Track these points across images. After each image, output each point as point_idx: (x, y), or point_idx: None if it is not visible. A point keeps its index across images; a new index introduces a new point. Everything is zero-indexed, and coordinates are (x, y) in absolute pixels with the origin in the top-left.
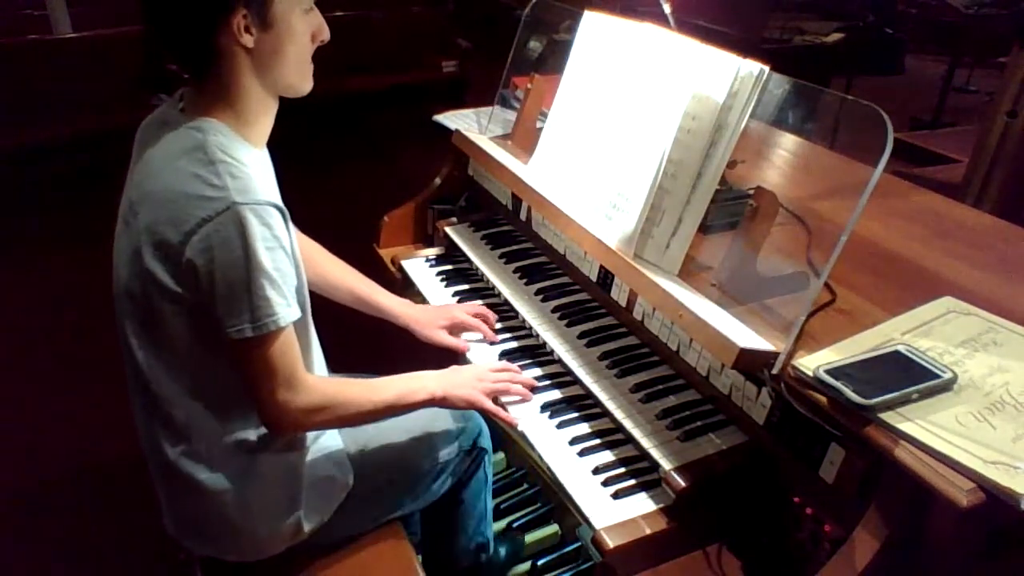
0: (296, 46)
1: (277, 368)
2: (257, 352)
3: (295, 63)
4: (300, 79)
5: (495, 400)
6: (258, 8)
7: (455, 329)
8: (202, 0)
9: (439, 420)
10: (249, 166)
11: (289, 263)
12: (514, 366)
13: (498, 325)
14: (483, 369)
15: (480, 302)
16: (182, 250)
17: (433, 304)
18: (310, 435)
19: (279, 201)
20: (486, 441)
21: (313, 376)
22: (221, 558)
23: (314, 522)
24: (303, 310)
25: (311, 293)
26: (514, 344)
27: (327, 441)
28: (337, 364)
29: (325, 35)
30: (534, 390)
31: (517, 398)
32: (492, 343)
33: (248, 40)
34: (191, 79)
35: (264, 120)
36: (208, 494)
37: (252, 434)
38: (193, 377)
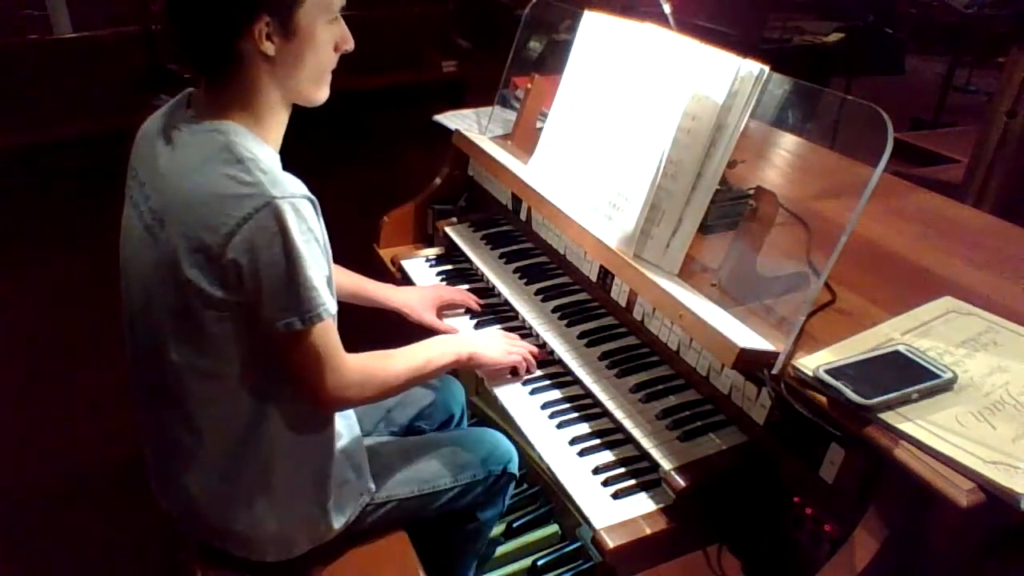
0: (317, 56)
1: (323, 354)
2: (307, 342)
3: (315, 73)
4: (317, 89)
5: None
6: (281, 16)
7: (443, 307)
8: (225, 5)
9: (465, 443)
10: (273, 163)
11: (322, 254)
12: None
13: (497, 325)
14: (500, 335)
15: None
16: (223, 252)
17: (420, 285)
18: (335, 435)
19: (310, 193)
20: (514, 467)
21: (351, 356)
22: (251, 559)
23: (340, 522)
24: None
25: None
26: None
27: (348, 444)
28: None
29: (349, 45)
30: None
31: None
32: (476, 314)
33: (269, 48)
34: (206, 82)
35: (278, 126)
36: (237, 496)
37: (282, 437)
38: (230, 380)
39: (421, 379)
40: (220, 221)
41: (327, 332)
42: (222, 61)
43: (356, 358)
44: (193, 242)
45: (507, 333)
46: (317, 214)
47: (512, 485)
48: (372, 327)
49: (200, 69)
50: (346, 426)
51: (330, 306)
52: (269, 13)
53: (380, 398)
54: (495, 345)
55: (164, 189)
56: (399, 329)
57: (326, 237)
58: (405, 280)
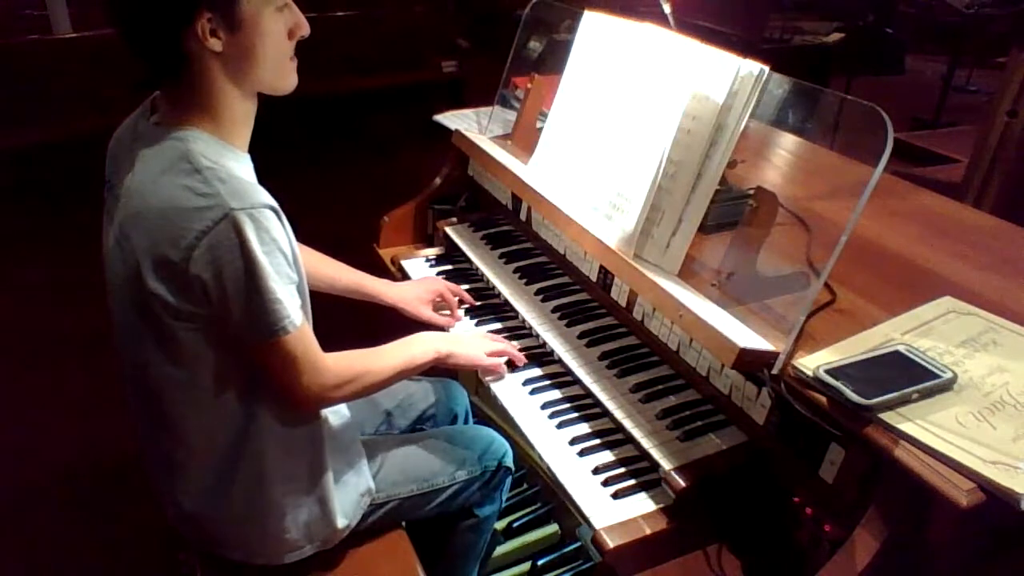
0: (269, 47)
1: (300, 359)
2: (278, 351)
3: (270, 64)
4: (279, 79)
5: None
6: (223, 10)
7: (437, 303)
8: (163, 5)
9: (461, 439)
10: (235, 170)
11: (287, 264)
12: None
13: (497, 325)
14: (480, 334)
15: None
16: (186, 267)
17: (415, 279)
18: (328, 436)
19: (272, 200)
20: (510, 461)
21: (330, 355)
22: (256, 564)
23: (344, 523)
24: (304, 307)
25: None
26: (514, 344)
27: (344, 444)
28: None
29: (304, 31)
30: (516, 366)
31: (502, 377)
32: (476, 313)
33: (216, 44)
34: (163, 87)
35: (244, 123)
36: (234, 503)
37: (273, 436)
38: (209, 389)
39: (402, 375)
40: (180, 235)
41: (299, 339)
42: (171, 63)
43: (336, 357)
44: (156, 256)
45: (491, 335)
46: (281, 222)
47: (509, 480)
48: (369, 323)
49: (154, 74)
50: (341, 426)
51: (295, 318)
52: (209, 8)
53: (362, 395)
54: (474, 343)
55: (128, 203)
56: (391, 323)
57: (294, 245)
58: (405, 280)
